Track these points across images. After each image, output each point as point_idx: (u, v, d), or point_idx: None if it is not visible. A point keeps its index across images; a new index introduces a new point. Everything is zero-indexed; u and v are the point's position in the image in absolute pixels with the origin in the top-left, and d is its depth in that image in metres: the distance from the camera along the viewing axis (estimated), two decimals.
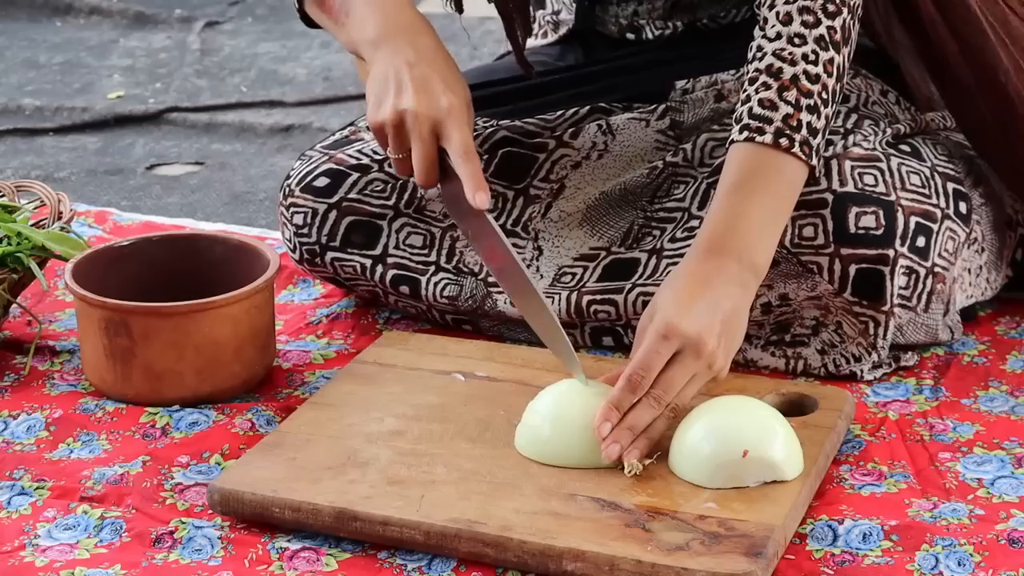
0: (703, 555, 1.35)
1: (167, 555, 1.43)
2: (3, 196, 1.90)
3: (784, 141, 1.57)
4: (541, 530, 1.38)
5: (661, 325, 1.49)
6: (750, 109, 1.58)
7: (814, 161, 1.58)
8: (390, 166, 1.82)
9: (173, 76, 3.28)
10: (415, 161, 1.58)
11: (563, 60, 1.94)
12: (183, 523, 1.47)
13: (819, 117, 1.58)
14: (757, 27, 1.63)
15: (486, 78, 1.92)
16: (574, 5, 1.91)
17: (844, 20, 1.60)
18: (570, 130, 1.83)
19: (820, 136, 1.59)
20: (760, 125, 1.57)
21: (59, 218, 1.83)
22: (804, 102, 1.58)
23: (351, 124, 1.93)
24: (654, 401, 1.47)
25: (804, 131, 1.57)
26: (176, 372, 1.65)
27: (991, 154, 1.79)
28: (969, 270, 1.76)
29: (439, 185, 1.60)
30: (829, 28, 1.59)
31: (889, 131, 1.76)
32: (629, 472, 1.46)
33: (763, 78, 1.59)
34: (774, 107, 1.58)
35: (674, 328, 1.48)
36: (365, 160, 1.83)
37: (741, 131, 1.58)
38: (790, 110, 1.57)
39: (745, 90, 1.60)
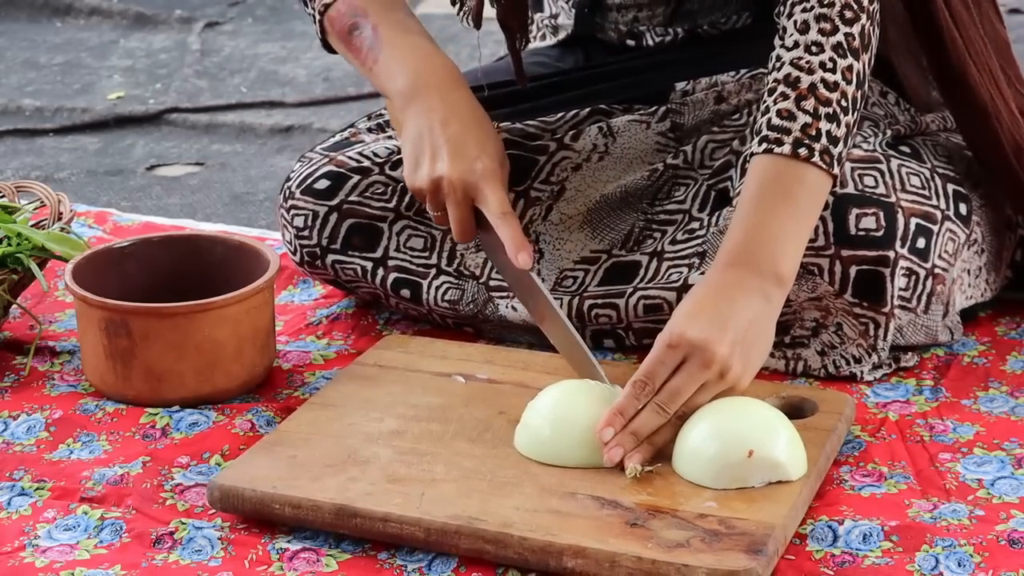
0: (703, 552, 1.35)
1: (167, 556, 1.43)
2: (3, 197, 1.90)
3: (803, 151, 1.56)
4: (541, 527, 1.38)
5: (667, 333, 1.49)
6: (769, 120, 1.57)
7: (836, 170, 1.57)
8: (392, 169, 1.82)
9: (173, 77, 3.28)
10: (452, 223, 1.64)
11: (563, 62, 1.94)
12: (183, 524, 1.47)
13: (839, 125, 1.57)
14: (776, 36, 1.62)
15: (485, 79, 1.92)
16: (573, 11, 1.91)
17: (863, 26, 1.59)
18: (570, 132, 1.83)
19: (841, 144, 1.57)
20: (779, 136, 1.56)
21: (59, 219, 1.83)
22: (823, 111, 1.57)
23: (351, 126, 1.93)
24: (659, 408, 1.47)
25: (824, 140, 1.56)
26: (176, 373, 1.65)
27: (1000, 173, 1.78)
28: (969, 271, 1.76)
29: (478, 238, 1.65)
30: (847, 35, 1.59)
31: (889, 132, 1.76)
32: (631, 475, 1.46)
33: (781, 88, 1.58)
34: (792, 117, 1.57)
35: (679, 336, 1.48)
36: (365, 162, 1.83)
37: (760, 143, 1.57)
38: (808, 119, 1.57)
39: (764, 101, 1.59)
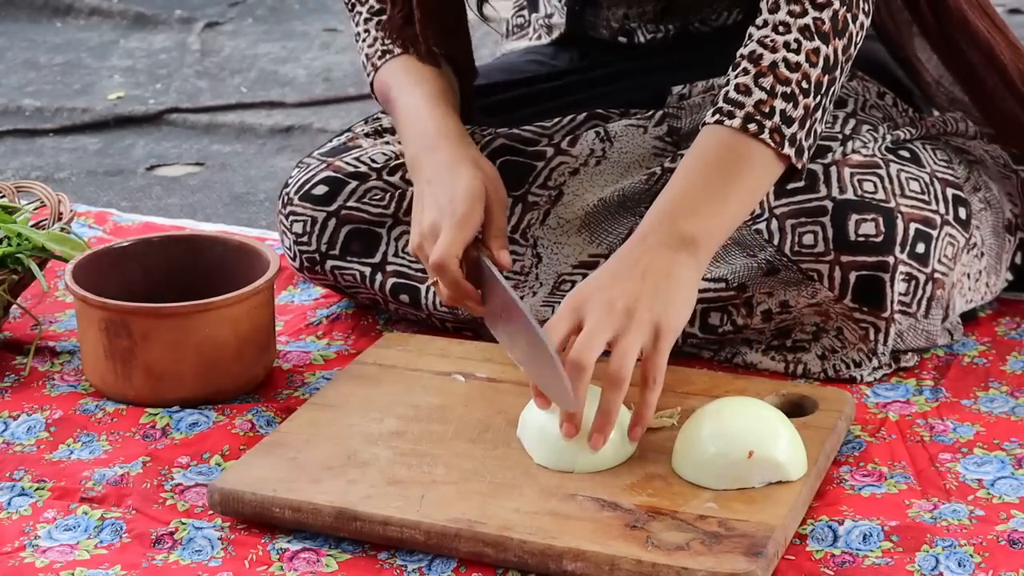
0: (703, 555, 1.35)
1: (167, 556, 1.43)
2: (3, 197, 1.90)
3: (752, 126, 1.54)
4: (541, 530, 1.38)
5: (563, 302, 1.48)
6: (726, 94, 1.56)
7: (787, 150, 1.55)
8: (389, 175, 1.83)
9: (173, 77, 3.28)
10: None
11: (557, 60, 1.94)
12: (183, 524, 1.47)
13: (796, 106, 1.55)
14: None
15: (483, 81, 1.92)
16: (565, 9, 1.91)
17: (835, 11, 1.57)
18: (568, 137, 1.83)
19: (797, 126, 1.55)
20: (731, 109, 1.55)
21: (59, 219, 1.83)
22: (780, 89, 1.55)
23: (348, 130, 1.93)
24: (612, 382, 1.44)
25: (776, 118, 1.54)
26: (176, 373, 1.65)
27: (1008, 118, 1.77)
28: (968, 275, 1.76)
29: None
30: (816, 19, 1.57)
31: (888, 136, 1.76)
32: (670, 425, 1.50)
33: (744, 64, 1.57)
34: (748, 92, 1.55)
35: (569, 301, 1.47)
36: (363, 168, 1.83)
37: (713, 114, 1.56)
38: (763, 96, 1.55)
39: (727, 76, 1.59)
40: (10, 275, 1.76)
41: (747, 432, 1.46)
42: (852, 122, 1.76)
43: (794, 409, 1.58)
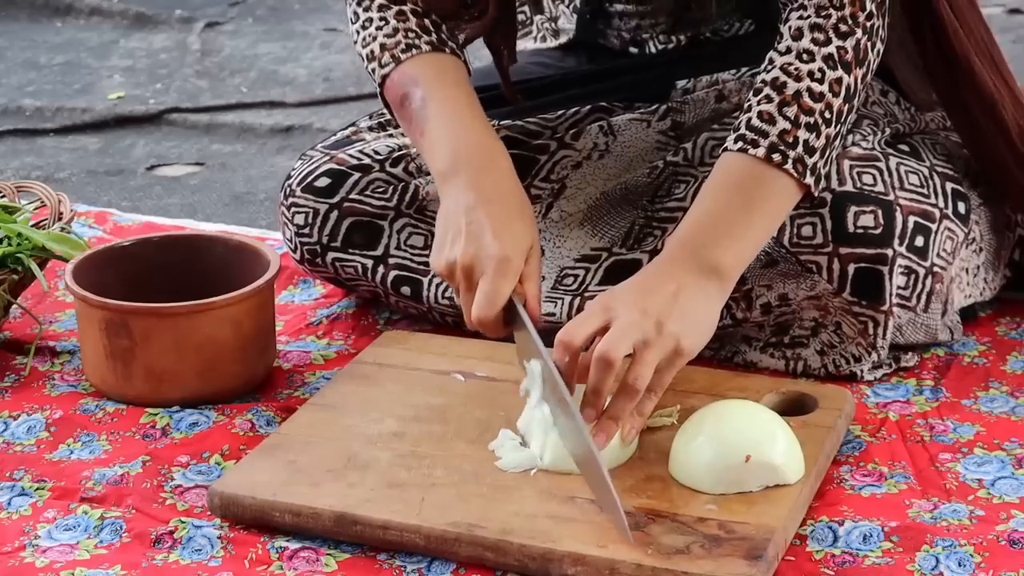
0: (703, 558, 1.34)
1: (167, 555, 1.43)
2: (3, 197, 1.90)
3: (777, 156, 1.55)
4: (541, 533, 1.38)
5: (594, 302, 1.49)
6: (748, 120, 1.57)
7: (808, 179, 1.56)
8: (392, 166, 1.83)
9: (173, 77, 3.28)
10: (463, 308, 1.54)
11: (564, 63, 1.94)
12: (183, 523, 1.47)
13: (818, 136, 1.56)
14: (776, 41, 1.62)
15: (487, 80, 1.92)
16: (575, 16, 1.91)
17: (857, 40, 1.58)
18: (571, 131, 1.83)
19: (818, 155, 1.56)
20: (755, 138, 1.56)
21: (59, 219, 1.83)
22: (804, 119, 1.56)
23: (352, 124, 1.93)
24: (629, 387, 1.45)
25: (800, 148, 1.55)
26: (176, 372, 1.65)
27: (1003, 167, 1.77)
28: (967, 270, 1.76)
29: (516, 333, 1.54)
30: (839, 48, 1.58)
31: (888, 131, 1.76)
32: (670, 423, 1.51)
33: (767, 91, 1.58)
34: (772, 121, 1.56)
35: (606, 296, 1.48)
36: (366, 160, 1.83)
37: (736, 140, 1.57)
38: (787, 126, 1.56)
39: (748, 100, 1.59)
40: (10, 275, 1.76)
41: (743, 436, 1.45)
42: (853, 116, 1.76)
43: (794, 407, 1.58)
